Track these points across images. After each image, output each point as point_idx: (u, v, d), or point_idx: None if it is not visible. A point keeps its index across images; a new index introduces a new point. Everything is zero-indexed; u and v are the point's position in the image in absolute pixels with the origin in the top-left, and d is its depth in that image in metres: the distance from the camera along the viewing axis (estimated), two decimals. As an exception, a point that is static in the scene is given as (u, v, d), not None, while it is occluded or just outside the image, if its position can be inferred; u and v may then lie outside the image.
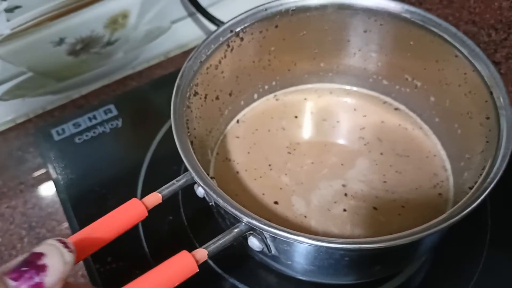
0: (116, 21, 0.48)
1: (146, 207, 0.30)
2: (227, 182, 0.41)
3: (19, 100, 0.50)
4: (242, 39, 0.41)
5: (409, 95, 0.44)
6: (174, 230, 0.42)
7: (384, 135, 0.44)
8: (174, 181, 0.32)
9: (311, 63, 0.46)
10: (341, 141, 0.44)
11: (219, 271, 0.40)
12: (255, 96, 0.46)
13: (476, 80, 0.37)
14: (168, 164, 0.45)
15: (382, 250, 0.30)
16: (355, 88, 0.47)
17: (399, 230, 0.37)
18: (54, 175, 0.46)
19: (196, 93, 0.38)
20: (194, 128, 0.38)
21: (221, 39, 0.39)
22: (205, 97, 0.40)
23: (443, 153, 0.42)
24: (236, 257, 0.40)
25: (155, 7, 0.50)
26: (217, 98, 0.42)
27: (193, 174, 0.31)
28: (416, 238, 0.29)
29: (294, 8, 0.41)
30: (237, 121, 0.45)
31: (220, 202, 0.30)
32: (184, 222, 0.42)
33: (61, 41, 0.47)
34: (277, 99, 0.47)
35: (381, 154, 0.43)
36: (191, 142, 0.35)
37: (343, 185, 0.41)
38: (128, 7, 0.49)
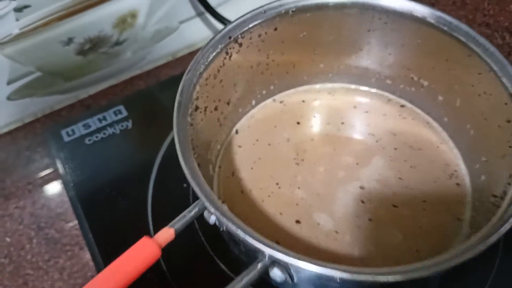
0: (125, 21, 0.48)
1: (159, 246, 0.27)
2: (234, 202, 0.38)
3: (27, 100, 0.49)
4: (240, 44, 0.38)
5: (415, 94, 0.42)
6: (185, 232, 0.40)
7: (395, 130, 0.42)
8: (185, 212, 0.29)
9: (310, 65, 0.43)
10: (351, 141, 0.42)
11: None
12: (253, 102, 0.43)
13: (493, 81, 0.35)
14: (179, 166, 0.43)
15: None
16: (359, 88, 0.44)
17: (428, 225, 0.37)
18: (64, 176, 0.45)
19: (197, 108, 0.35)
20: (197, 146, 0.35)
21: (219, 46, 0.36)
22: (205, 110, 0.37)
23: (456, 151, 0.41)
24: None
25: (164, 7, 0.49)
26: (215, 108, 0.39)
27: (207, 204, 0.28)
28: (460, 261, 0.27)
29: (294, 9, 0.38)
30: (236, 131, 0.42)
31: (241, 235, 0.27)
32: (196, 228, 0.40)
33: (69, 40, 0.46)
34: (279, 102, 0.44)
35: (395, 149, 0.41)
36: (198, 164, 0.32)
37: (361, 187, 0.38)
38: (136, 6, 0.48)
